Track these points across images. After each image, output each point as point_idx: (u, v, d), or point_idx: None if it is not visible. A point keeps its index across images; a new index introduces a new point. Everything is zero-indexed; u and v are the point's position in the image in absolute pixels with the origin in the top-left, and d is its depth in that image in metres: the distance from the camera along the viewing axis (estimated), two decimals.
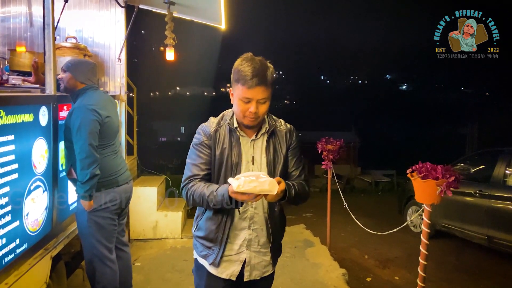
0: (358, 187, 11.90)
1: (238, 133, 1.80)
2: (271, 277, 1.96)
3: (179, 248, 4.77)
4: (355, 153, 16.46)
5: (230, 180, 1.58)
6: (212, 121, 1.86)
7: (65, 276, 3.13)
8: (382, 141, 26.04)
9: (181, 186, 1.81)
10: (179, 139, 30.37)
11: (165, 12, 4.45)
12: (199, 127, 1.86)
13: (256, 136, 1.83)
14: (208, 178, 1.81)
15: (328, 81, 59.03)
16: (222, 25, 4.55)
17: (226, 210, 1.75)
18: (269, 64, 1.73)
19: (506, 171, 5.07)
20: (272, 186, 1.54)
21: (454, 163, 6.04)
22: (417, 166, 2.73)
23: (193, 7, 4.45)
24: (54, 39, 2.78)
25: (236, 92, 1.73)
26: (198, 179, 1.78)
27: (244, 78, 1.67)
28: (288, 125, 1.93)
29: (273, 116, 1.91)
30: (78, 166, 2.66)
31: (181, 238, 5.05)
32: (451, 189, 2.58)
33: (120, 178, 2.93)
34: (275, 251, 1.91)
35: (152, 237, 4.99)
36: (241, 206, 1.73)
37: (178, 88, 46.54)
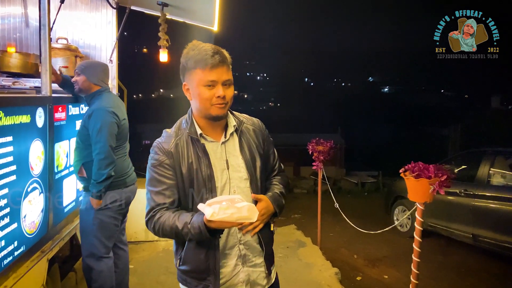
0: (345, 188, 12.06)
1: (204, 140, 1.58)
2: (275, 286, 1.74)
3: (171, 250, 4.71)
4: (341, 155, 16.67)
5: (200, 207, 1.36)
6: (169, 134, 1.60)
7: (59, 279, 3.10)
8: (366, 143, 26.42)
9: (145, 220, 1.55)
10: None
11: (157, 13, 4.44)
12: (154, 144, 1.59)
13: (225, 137, 1.62)
14: (176, 205, 1.56)
15: (312, 83, 59.55)
16: (215, 27, 4.57)
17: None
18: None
19: (490, 171, 5.23)
20: (251, 213, 1.34)
21: (439, 163, 6.17)
22: (410, 165, 2.82)
23: (187, 9, 4.45)
24: (50, 40, 2.77)
25: (196, 80, 1.50)
26: (164, 209, 1.53)
27: (204, 59, 1.47)
28: (255, 119, 1.76)
29: (235, 112, 1.70)
30: (95, 166, 2.73)
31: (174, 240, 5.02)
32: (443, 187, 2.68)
33: (128, 179, 3.02)
34: (269, 259, 1.69)
35: (144, 239, 4.95)
36: (221, 233, 1.49)
37: (161, 90, 46.15)
